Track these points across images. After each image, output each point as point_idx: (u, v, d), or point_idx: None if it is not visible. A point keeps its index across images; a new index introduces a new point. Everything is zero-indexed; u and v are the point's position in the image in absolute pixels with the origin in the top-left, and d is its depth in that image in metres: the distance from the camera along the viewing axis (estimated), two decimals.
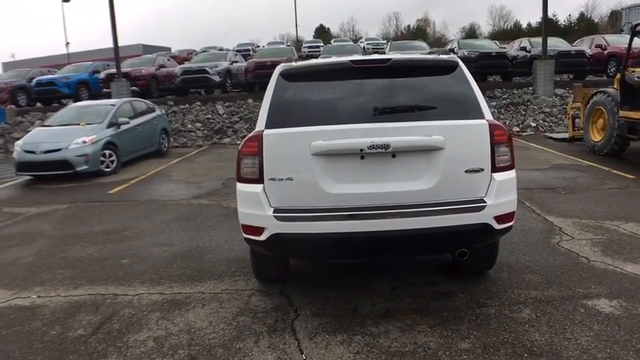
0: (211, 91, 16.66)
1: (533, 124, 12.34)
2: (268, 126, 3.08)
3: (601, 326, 2.90)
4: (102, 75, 16.08)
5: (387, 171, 2.95)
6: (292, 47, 18.17)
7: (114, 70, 15.62)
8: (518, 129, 12.28)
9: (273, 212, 2.97)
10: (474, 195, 2.96)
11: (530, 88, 14.06)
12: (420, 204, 2.91)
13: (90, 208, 6.77)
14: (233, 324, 3.16)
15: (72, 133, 9.05)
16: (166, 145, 11.96)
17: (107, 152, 9.29)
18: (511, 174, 3.06)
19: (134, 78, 15.75)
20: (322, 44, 34.24)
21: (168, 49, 42.54)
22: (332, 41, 37.22)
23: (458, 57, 3.50)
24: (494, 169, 2.99)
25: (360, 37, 46.65)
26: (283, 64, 3.41)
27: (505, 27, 59.25)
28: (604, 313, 3.06)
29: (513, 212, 3.08)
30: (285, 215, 2.95)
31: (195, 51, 31.55)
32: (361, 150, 2.88)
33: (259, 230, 3.01)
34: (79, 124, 9.47)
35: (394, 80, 3.21)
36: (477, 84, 3.22)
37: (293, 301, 3.45)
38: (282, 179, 2.98)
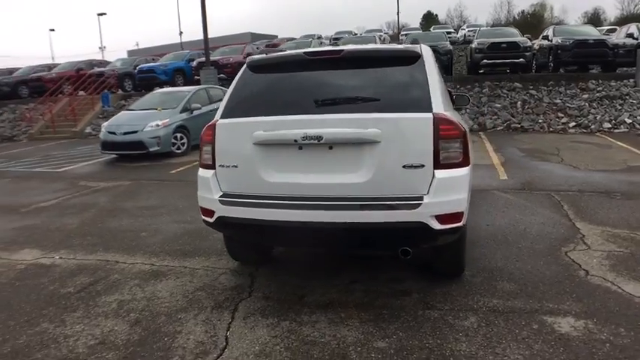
0: None
1: (629, 121, 10.86)
2: (223, 116, 3.26)
3: (544, 346, 2.64)
4: (194, 63, 17.46)
5: (323, 162, 2.96)
6: (375, 35, 17.95)
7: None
8: (610, 125, 10.91)
9: (220, 197, 3.16)
10: (414, 192, 2.84)
11: (632, 80, 12.34)
12: (355, 197, 2.88)
13: (147, 186, 7.57)
14: (189, 297, 3.44)
15: (148, 117, 10.10)
16: None
17: (178, 135, 10.20)
18: (460, 172, 2.87)
19: (222, 66, 16.89)
20: (421, 31, 33.32)
21: (275, 37, 44.46)
22: (431, 28, 36.11)
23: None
24: (438, 165, 2.83)
25: (463, 24, 44.38)
26: (253, 55, 3.54)
27: (635, 11, 51.82)
28: (558, 332, 2.76)
29: (460, 213, 2.89)
30: (229, 200, 3.12)
31: (294, 39, 32.70)
32: (295, 141, 2.93)
33: (211, 213, 3.22)
34: (156, 109, 10.53)
35: (347, 71, 3.17)
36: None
37: (254, 283, 3.62)
38: (229, 166, 3.16)
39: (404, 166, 2.83)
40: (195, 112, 10.76)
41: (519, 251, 4.06)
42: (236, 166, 3.13)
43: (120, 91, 17.87)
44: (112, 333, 2.98)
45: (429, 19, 59.32)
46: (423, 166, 2.82)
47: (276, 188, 3.03)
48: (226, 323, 3.03)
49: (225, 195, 3.17)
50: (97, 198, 6.89)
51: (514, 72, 14.41)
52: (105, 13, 51.55)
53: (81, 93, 17.66)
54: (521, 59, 13.70)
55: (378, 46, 3.54)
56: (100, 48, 53.89)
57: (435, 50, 15.26)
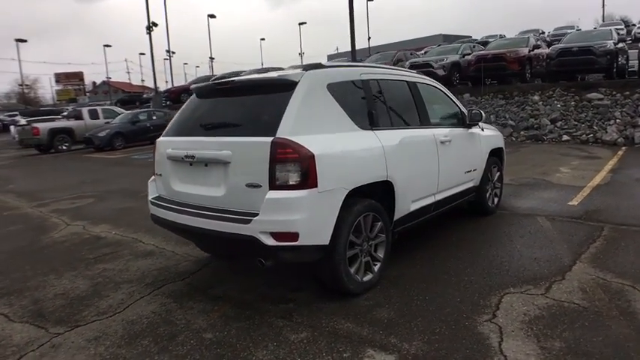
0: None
1: None
2: (163, 134, 4.08)
3: None
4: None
5: (202, 177, 3.52)
6: (528, 37, 15.96)
7: None
8: None
9: (152, 198, 4.00)
10: (253, 208, 3.15)
11: None
12: (216, 209, 3.36)
13: None
14: (144, 273, 4.37)
15: None
16: None
17: None
18: (295, 194, 3.06)
19: None
20: (623, 27, 28.83)
21: (468, 37, 43.06)
22: (637, 22, 30.42)
23: None
24: (273, 186, 3.08)
25: None
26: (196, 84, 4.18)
27: None
28: None
29: (294, 233, 3.07)
30: (154, 202, 3.94)
31: (476, 40, 31.22)
32: (182, 158, 3.57)
33: (150, 211, 4.10)
34: None
35: (236, 98, 3.60)
36: None
37: (199, 271, 4.34)
38: (158, 174, 3.98)
39: (246, 185, 3.19)
40: None
41: (455, 285, 3.78)
42: (161, 175, 3.94)
43: None
44: (74, 288, 4.12)
45: None
46: (260, 186, 3.13)
47: (177, 195, 3.73)
48: (140, 296, 3.86)
49: (156, 197, 4.00)
50: None
51: None
52: (305, 23, 57.36)
53: None
54: None
55: (256, 76, 3.80)
56: (299, 54, 60.52)
57: (589, 51, 13.03)
